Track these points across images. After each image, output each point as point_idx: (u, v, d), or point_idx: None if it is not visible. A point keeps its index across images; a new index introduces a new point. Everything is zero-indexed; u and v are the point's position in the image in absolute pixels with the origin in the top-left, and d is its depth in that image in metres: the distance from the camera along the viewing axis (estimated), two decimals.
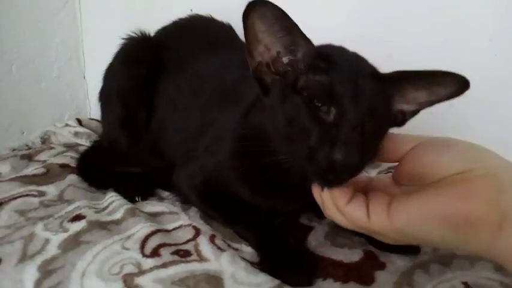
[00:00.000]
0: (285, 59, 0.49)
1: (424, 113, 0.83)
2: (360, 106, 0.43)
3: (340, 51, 0.51)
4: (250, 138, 0.54)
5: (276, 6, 0.45)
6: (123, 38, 0.87)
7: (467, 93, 0.80)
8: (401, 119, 0.50)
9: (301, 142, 0.44)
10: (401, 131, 0.53)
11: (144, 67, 0.82)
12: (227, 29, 0.86)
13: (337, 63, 0.46)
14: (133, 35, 0.87)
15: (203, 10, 0.92)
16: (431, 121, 0.87)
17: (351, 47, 0.53)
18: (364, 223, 0.41)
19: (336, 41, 0.54)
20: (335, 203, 0.43)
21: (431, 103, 0.48)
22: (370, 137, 0.44)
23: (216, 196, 0.67)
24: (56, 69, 1.21)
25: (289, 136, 0.46)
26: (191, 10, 0.96)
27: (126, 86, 0.83)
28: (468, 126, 0.84)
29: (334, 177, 0.42)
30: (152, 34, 0.91)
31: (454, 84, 0.45)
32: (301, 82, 0.46)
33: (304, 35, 0.47)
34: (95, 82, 1.24)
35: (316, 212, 0.65)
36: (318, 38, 0.54)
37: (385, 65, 0.50)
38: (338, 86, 0.44)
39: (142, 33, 0.88)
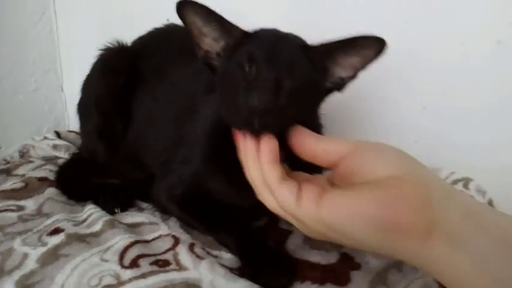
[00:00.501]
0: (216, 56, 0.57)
1: (396, 117, 0.85)
2: (275, 63, 0.49)
3: (271, 30, 0.58)
4: (217, 126, 0.61)
5: (201, 4, 0.53)
6: (101, 49, 0.87)
7: (440, 96, 0.83)
8: (341, 85, 0.56)
9: (235, 102, 0.49)
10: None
11: (122, 76, 0.83)
12: None
13: (263, 37, 0.55)
14: (110, 45, 0.88)
15: (180, 20, 0.93)
16: (403, 124, 0.90)
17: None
18: (292, 207, 0.41)
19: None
20: (267, 182, 0.43)
21: (364, 65, 0.54)
22: (294, 94, 0.49)
23: (196, 205, 0.68)
24: (33, 82, 1.20)
25: (229, 99, 0.52)
26: (168, 20, 0.96)
27: (103, 95, 0.83)
28: (441, 127, 0.86)
29: (258, 124, 0.45)
30: (129, 44, 0.91)
31: (377, 44, 0.50)
32: (233, 55, 0.53)
33: (231, 22, 0.55)
34: (73, 94, 1.22)
35: None
36: None
37: None
38: (258, 50, 0.51)
39: (119, 44, 0.89)
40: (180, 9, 0.53)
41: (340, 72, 0.54)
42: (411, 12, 0.83)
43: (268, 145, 0.45)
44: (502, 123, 0.80)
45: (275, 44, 0.52)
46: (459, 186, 0.75)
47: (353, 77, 0.55)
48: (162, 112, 0.79)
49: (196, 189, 0.67)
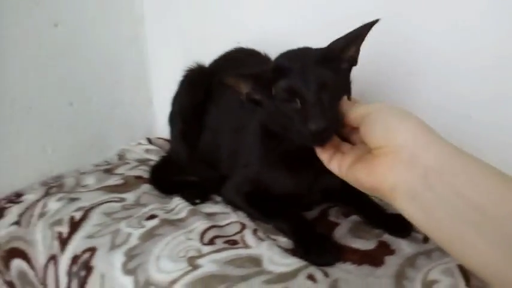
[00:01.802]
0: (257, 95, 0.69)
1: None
2: (312, 89, 0.60)
3: (292, 53, 0.68)
4: (267, 135, 0.74)
5: (235, 75, 0.69)
6: (185, 70, 1.04)
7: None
8: (354, 61, 0.69)
9: (292, 127, 0.62)
10: None
11: (201, 91, 0.99)
12: (263, 57, 1.02)
13: (289, 66, 0.64)
14: (193, 66, 1.04)
15: (248, 43, 1.08)
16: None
17: None
18: (337, 173, 0.57)
19: None
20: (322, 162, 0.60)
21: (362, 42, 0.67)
22: (332, 99, 0.61)
23: (258, 199, 0.81)
24: (128, 97, 1.40)
25: (284, 126, 0.64)
26: (238, 43, 1.12)
27: (186, 106, 1.00)
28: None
29: (320, 139, 0.59)
30: (207, 65, 1.07)
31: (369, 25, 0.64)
32: (273, 91, 0.64)
33: (257, 72, 0.69)
34: (161, 107, 1.41)
35: (343, 209, 0.81)
36: None
37: None
38: (294, 83, 0.61)
39: (199, 65, 1.05)
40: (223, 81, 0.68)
41: (349, 53, 0.68)
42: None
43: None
44: None
45: (303, 70, 0.62)
46: None
47: (358, 50, 0.68)
48: (224, 123, 0.94)
49: (257, 187, 0.81)
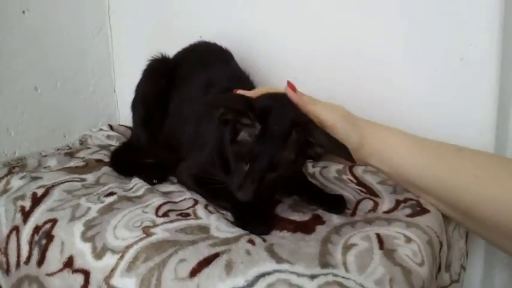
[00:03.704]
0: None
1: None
2: (261, 168, 0.70)
3: (274, 110, 0.72)
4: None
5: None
6: (149, 59, 1.10)
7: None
8: (318, 157, 0.75)
9: (232, 171, 0.75)
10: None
11: (163, 80, 1.06)
12: (224, 51, 1.10)
13: (260, 120, 0.70)
14: (156, 56, 1.11)
15: (210, 37, 1.15)
16: None
17: None
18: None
19: None
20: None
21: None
22: (277, 176, 0.73)
23: (204, 181, 0.87)
24: (91, 84, 1.45)
25: (233, 164, 0.75)
26: (200, 37, 1.19)
27: (148, 93, 1.06)
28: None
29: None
30: (171, 57, 1.14)
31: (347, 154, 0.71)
32: (239, 136, 0.73)
33: (240, 109, 0.72)
34: (123, 95, 1.48)
35: (287, 193, 0.89)
36: None
37: None
38: (251, 154, 0.71)
39: (162, 55, 1.12)
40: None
41: (316, 149, 0.74)
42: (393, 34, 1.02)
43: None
44: (467, 131, 0.96)
45: (266, 141, 0.70)
46: None
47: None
48: (186, 110, 1.01)
49: (205, 171, 0.88)
